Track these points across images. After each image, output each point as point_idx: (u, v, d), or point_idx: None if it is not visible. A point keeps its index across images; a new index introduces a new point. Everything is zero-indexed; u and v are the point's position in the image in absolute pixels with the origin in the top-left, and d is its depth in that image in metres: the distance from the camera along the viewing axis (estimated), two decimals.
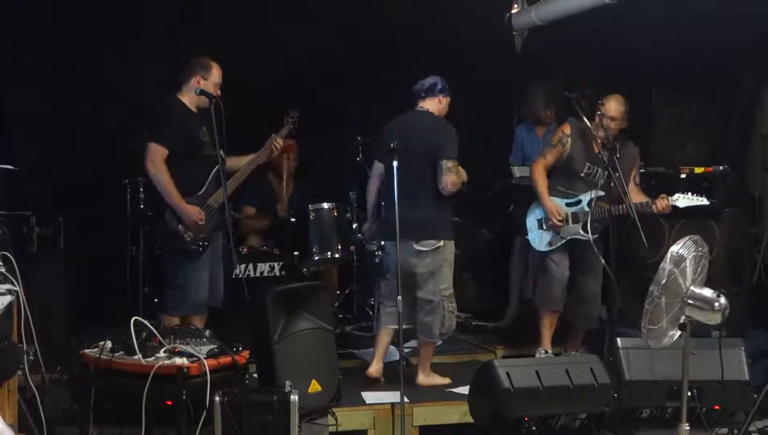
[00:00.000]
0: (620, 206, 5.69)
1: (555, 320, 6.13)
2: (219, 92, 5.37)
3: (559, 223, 5.89)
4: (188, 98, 5.43)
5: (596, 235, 5.83)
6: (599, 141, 5.73)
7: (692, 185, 6.37)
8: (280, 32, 7.01)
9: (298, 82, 7.02)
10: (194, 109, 5.45)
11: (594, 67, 7.18)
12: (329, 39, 7.08)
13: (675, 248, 4.20)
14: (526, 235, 6.08)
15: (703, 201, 5.67)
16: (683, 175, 6.14)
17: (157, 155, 5.25)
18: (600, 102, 5.69)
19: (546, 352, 6.09)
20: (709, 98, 7.20)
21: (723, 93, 7.27)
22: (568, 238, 5.91)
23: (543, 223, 6.00)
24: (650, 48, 7.02)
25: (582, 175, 5.94)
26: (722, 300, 4.14)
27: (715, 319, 4.16)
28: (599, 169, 5.87)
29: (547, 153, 6.01)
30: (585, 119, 5.72)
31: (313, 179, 7.11)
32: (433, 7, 6.96)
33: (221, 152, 5.44)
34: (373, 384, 5.70)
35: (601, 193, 5.81)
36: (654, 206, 5.67)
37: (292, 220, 6.53)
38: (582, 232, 5.84)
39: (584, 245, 5.86)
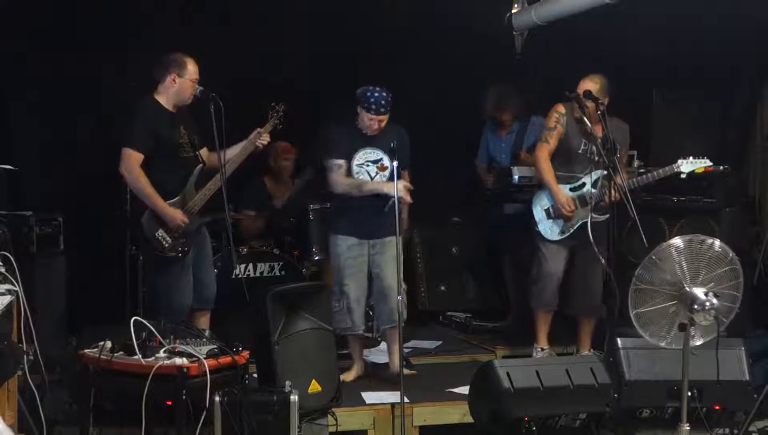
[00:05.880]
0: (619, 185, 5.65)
1: (549, 319, 6.10)
2: (197, 88, 5.21)
3: (569, 214, 5.85)
4: (165, 97, 5.25)
5: (607, 215, 5.68)
6: (594, 132, 5.68)
7: (692, 185, 6.38)
8: (280, 32, 7.01)
9: (297, 81, 7.01)
10: (171, 109, 5.27)
11: (594, 67, 7.17)
12: (329, 39, 7.08)
13: (665, 243, 4.23)
14: (536, 226, 5.97)
15: (706, 162, 5.75)
16: (683, 175, 6.13)
17: (131, 161, 5.09)
18: (600, 101, 5.68)
19: (542, 349, 6.08)
20: (709, 98, 7.20)
21: (723, 92, 7.26)
22: (580, 222, 5.84)
23: (552, 211, 5.94)
24: (650, 48, 7.02)
25: (579, 152, 5.90)
26: (714, 301, 4.14)
27: (707, 320, 4.16)
28: (594, 147, 5.83)
29: (549, 137, 5.93)
30: (585, 119, 5.71)
31: (313, 179, 7.11)
32: (433, 6, 6.96)
33: (201, 153, 5.36)
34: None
35: (603, 171, 5.71)
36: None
37: (292, 220, 6.55)
38: (594, 214, 5.76)
39: (584, 236, 5.79)
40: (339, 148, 5.63)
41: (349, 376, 5.76)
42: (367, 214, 5.54)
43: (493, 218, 7.02)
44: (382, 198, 5.54)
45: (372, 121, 5.55)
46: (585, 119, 5.69)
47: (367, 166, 5.62)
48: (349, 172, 5.62)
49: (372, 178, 5.63)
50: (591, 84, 5.78)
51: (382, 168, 5.65)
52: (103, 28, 6.61)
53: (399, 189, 5.35)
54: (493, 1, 6.94)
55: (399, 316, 5.19)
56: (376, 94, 5.52)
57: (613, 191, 5.42)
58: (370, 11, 7.04)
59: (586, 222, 5.78)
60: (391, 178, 5.52)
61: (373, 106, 5.51)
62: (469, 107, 7.22)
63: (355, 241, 5.65)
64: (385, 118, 5.57)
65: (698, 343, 4.34)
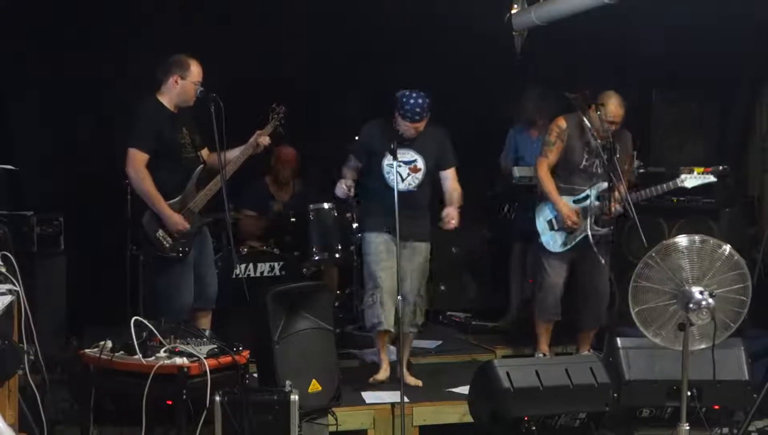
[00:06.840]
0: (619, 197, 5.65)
1: (551, 328, 6.12)
2: (198, 88, 5.18)
3: (574, 226, 5.83)
4: (167, 98, 5.23)
5: (608, 228, 5.75)
6: (595, 134, 5.69)
7: None
8: (280, 32, 7.02)
9: (297, 81, 7.02)
10: (173, 110, 5.25)
11: (594, 67, 7.19)
12: (329, 39, 7.09)
13: (667, 241, 4.25)
14: (539, 238, 5.97)
15: (709, 177, 5.74)
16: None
17: (137, 161, 5.08)
18: (600, 103, 5.68)
19: (544, 355, 6.08)
20: (709, 98, 7.20)
21: (723, 93, 7.26)
22: (582, 235, 5.84)
23: (554, 223, 5.94)
24: (650, 48, 7.02)
25: (581, 167, 5.90)
26: (710, 300, 4.14)
27: (702, 319, 4.16)
28: (596, 160, 5.84)
29: (549, 152, 5.94)
30: (585, 120, 5.72)
31: (313, 179, 7.12)
32: (433, 7, 6.96)
33: (202, 153, 5.35)
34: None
35: (605, 184, 5.71)
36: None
37: (292, 220, 6.55)
38: (596, 226, 5.78)
39: (588, 246, 5.80)
40: (359, 150, 5.59)
41: (380, 377, 5.66)
42: (400, 214, 5.19)
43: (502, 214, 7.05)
44: (412, 199, 5.49)
45: (408, 128, 5.43)
46: (585, 120, 5.70)
47: (400, 166, 5.42)
48: (380, 171, 5.51)
49: (404, 179, 5.49)
50: (608, 100, 5.76)
51: (415, 169, 5.55)
52: (103, 28, 6.61)
53: None
54: (493, 1, 6.94)
55: (400, 317, 5.19)
56: (412, 101, 5.37)
57: (613, 205, 5.45)
58: (370, 11, 7.05)
59: (587, 235, 5.80)
60: (425, 181, 5.58)
61: (408, 114, 5.38)
62: (470, 107, 7.23)
63: (388, 237, 5.51)
64: (421, 124, 5.44)
65: (702, 346, 4.33)
